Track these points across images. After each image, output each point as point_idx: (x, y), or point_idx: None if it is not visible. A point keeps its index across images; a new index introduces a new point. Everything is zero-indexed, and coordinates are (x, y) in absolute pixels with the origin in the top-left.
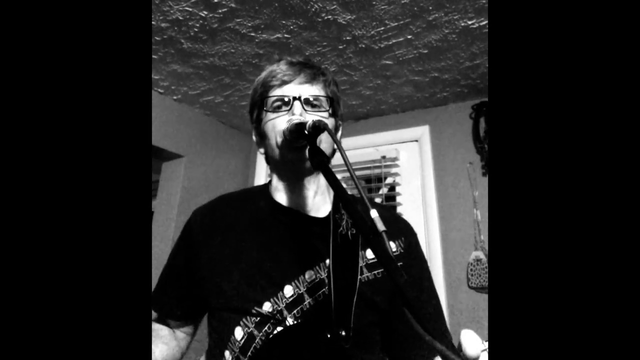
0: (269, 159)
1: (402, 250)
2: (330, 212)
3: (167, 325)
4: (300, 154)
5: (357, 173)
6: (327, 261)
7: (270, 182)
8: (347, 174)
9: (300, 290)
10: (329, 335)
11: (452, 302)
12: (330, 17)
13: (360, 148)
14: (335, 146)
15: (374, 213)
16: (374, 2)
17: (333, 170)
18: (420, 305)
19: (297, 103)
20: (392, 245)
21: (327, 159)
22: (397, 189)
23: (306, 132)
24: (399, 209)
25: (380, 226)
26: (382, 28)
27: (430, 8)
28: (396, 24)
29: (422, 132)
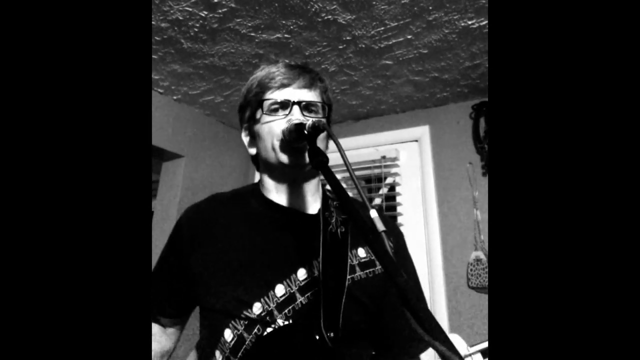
0: (259, 161)
1: (392, 249)
2: (319, 210)
3: (158, 322)
4: (300, 158)
5: (357, 173)
6: (319, 259)
7: (259, 182)
8: (346, 174)
9: (292, 289)
10: (317, 337)
11: (452, 302)
12: (330, 17)
13: (360, 148)
14: (335, 146)
15: (373, 213)
16: (374, 2)
17: (333, 170)
18: (420, 304)
19: (296, 108)
20: None
21: (327, 159)
22: (397, 189)
23: (306, 132)
24: (399, 209)
25: (380, 226)
26: (382, 28)
27: (430, 8)
28: (396, 24)
29: (422, 132)
